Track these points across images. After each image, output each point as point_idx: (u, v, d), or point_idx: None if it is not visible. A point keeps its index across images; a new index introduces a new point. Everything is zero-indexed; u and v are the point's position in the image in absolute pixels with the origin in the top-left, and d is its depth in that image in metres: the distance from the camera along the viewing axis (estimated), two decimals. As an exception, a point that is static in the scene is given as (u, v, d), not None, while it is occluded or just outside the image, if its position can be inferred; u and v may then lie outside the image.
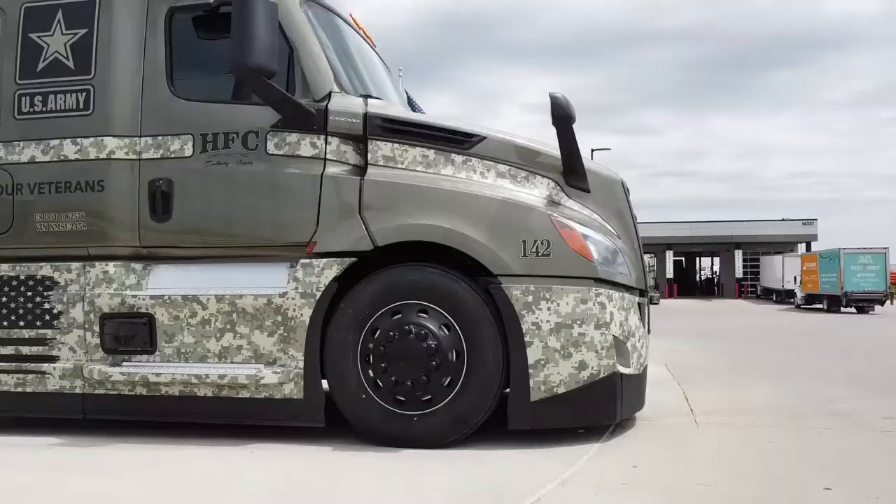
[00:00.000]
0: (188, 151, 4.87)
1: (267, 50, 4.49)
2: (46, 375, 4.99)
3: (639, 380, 4.86)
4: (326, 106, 4.75)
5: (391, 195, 4.67)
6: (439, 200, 4.62)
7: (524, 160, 4.84)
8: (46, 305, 5.01)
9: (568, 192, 4.81)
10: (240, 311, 4.74)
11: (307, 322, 4.63)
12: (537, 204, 4.63)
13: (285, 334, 4.68)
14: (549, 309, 4.43)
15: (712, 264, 67.22)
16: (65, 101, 5.02)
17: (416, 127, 4.87)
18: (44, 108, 5.04)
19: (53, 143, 5.01)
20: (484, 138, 4.84)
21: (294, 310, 4.65)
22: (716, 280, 61.69)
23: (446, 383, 4.48)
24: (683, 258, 62.25)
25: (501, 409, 4.54)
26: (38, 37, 5.09)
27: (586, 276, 4.50)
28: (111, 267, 4.95)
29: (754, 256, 52.50)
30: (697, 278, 67.02)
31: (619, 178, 5.07)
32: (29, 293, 5.05)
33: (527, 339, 4.43)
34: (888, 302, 34.22)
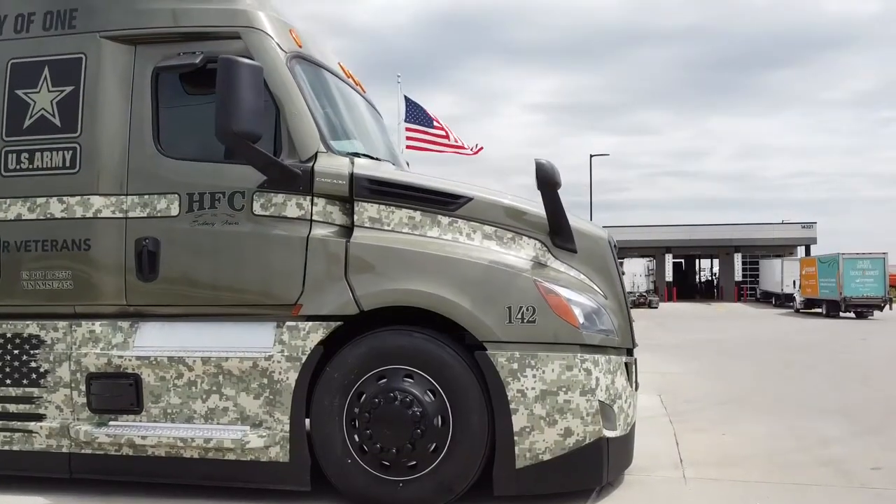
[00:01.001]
0: (174, 211, 4.86)
1: (251, 114, 4.48)
2: (33, 434, 4.99)
3: (626, 440, 4.84)
4: (312, 167, 4.73)
5: (377, 259, 4.66)
6: (425, 265, 4.61)
7: (510, 221, 4.83)
8: (33, 364, 5.01)
9: (555, 253, 4.80)
10: (226, 374, 4.73)
11: (293, 385, 4.63)
12: (523, 268, 4.62)
13: (271, 397, 4.67)
14: (534, 376, 4.42)
15: (711, 265, 67.24)
16: (51, 159, 5.01)
17: (402, 188, 4.85)
18: (30, 166, 5.03)
19: (40, 200, 5.00)
20: (470, 199, 4.83)
21: (280, 373, 4.65)
22: (715, 282, 61.70)
23: (431, 449, 4.47)
24: (683, 260, 62.29)
25: (487, 473, 4.54)
26: (25, 93, 5.07)
27: (571, 342, 4.48)
28: (97, 326, 4.95)
29: (754, 259, 52.52)
30: (697, 280, 67.05)
31: (605, 235, 5.06)
32: (16, 351, 5.04)
33: (512, 406, 4.42)
34: (887, 307, 34.17)
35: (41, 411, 4.99)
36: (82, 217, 4.95)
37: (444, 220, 4.79)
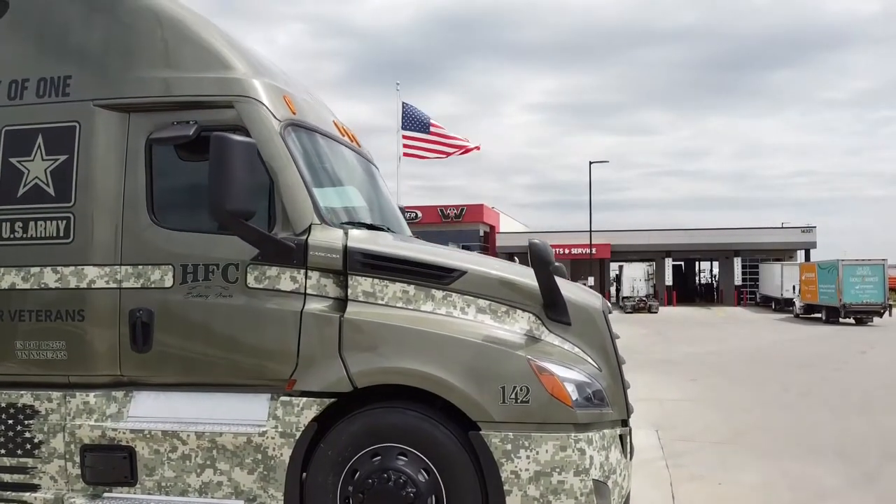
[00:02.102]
0: (168, 282, 4.85)
1: (245, 192, 4.46)
2: (28, 504, 4.99)
3: (620, 511, 4.83)
4: (306, 240, 4.72)
5: (371, 335, 4.65)
6: (420, 342, 4.59)
7: (505, 294, 4.81)
8: (27, 434, 5.00)
9: (549, 326, 4.79)
10: (220, 448, 4.73)
11: (287, 462, 4.62)
12: (517, 344, 4.60)
13: (265, 473, 4.67)
14: (528, 457, 4.42)
15: (711, 268, 67.25)
16: (45, 229, 4.99)
17: (396, 262, 4.83)
18: (24, 235, 5.02)
19: (34, 270, 4.99)
20: (464, 273, 4.82)
21: (273, 449, 4.64)
22: (715, 286, 61.69)
23: (425, 529, 4.47)
24: (683, 263, 62.28)
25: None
26: (19, 161, 5.06)
27: (565, 421, 4.47)
28: (91, 397, 4.94)
29: (753, 263, 52.51)
30: (697, 282, 67.04)
31: (599, 306, 5.05)
32: (10, 421, 5.04)
33: (506, 487, 4.41)
34: (886, 313, 34.21)
35: (35, 482, 4.99)
36: (76, 287, 4.93)
37: (439, 294, 4.78)
